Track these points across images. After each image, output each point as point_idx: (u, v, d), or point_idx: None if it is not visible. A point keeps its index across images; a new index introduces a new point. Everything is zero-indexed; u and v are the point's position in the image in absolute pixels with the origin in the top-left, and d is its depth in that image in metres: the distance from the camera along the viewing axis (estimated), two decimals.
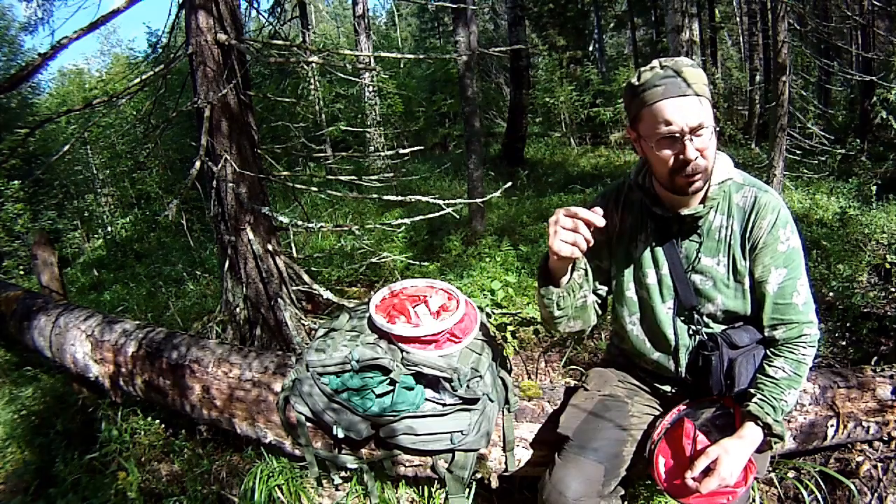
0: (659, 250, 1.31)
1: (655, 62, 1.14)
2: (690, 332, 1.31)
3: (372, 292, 4.04)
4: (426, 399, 1.59)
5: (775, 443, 1.23)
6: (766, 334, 1.28)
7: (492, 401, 1.64)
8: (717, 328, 1.30)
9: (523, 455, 1.67)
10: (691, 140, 1.10)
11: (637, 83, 1.14)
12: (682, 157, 1.11)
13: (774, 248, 1.21)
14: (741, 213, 1.24)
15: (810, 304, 1.25)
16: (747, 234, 1.23)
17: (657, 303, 1.32)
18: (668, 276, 1.30)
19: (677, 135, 1.10)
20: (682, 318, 1.32)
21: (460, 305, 1.72)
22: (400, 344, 1.64)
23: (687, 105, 1.09)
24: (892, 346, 2.69)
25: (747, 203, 1.23)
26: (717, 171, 1.24)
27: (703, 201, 1.24)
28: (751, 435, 1.20)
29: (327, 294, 2.74)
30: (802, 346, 1.25)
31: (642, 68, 1.16)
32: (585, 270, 1.32)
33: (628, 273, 1.37)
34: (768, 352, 1.28)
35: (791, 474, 1.80)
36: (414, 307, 1.75)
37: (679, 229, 1.29)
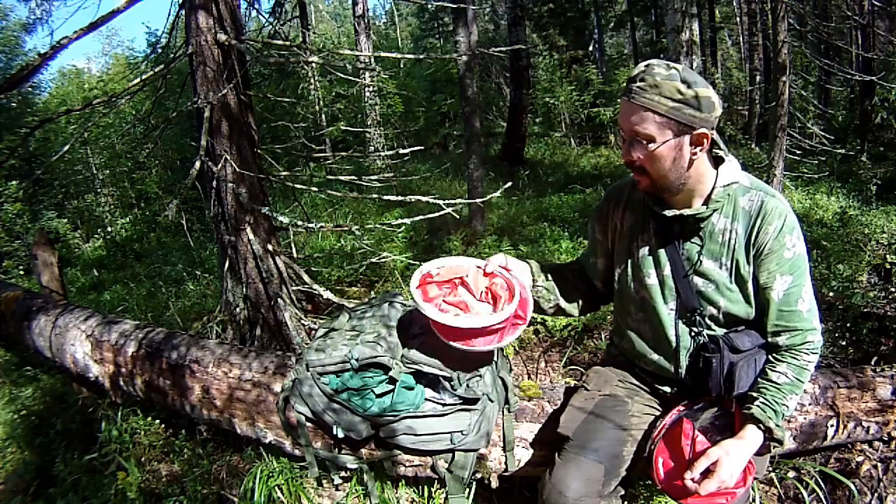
0: (661, 251, 1.31)
1: (643, 63, 1.15)
2: (692, 333, 1.31)
3: (372, 292, 4.04)
4: (426, 399, 1.59)
5: (774, 447, 1.23)
6: (769, 340, 1.27)
7: (492, 401, 1.63)
8: (719, 331, 1.30)
9: (523, 455, 1.66)
10: (630, 143, 1.17)
11: None
12: (624, 156, 1.21)
13: (780, 254, 1.20)
14: (747, 217, 1.22)
15: (814, 311, 1.25)
16: (752, 240, 1.21)
17: (659, 304, 1.32)
18: (671, 277, 1.30)
19: (624, 136, 1.19)
20: (684, 320, 1.31)
21: (503, 280, 1.41)
22: (458, 344, 1.37)
23: (627, 110, 1.15)
24: (892, 346, 2.69)
25: (753, 207, 1.22)
26: (723, 174, 1.23)
27: (705, 202, 1.23)
28: (751, 437, 1.20)
29: (327, 294, 2.74)
30: (806, 352, 1.25)
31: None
32: (546, 288, 1.49)
33: (630, 272, 1.37)
34: (771, 357, 1.27)
35: (791, 474, 1.80)
36: (455, 295, 1.41)
37: (681, 230, 1.28)
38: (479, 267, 1.43)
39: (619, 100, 1.21)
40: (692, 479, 1.15)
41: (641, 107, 1.11)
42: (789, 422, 1.67)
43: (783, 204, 1.22)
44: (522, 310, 1.36)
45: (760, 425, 1.20)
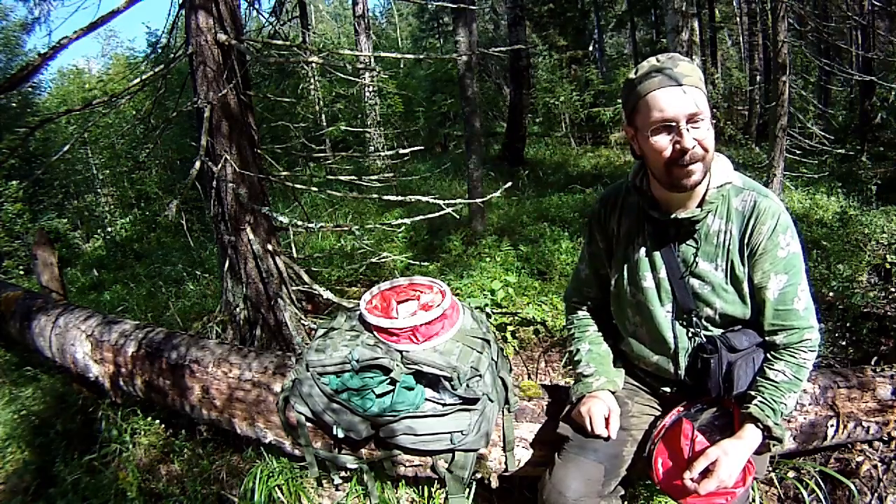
0: (656, 254, 1.31)
1: (652, 57, 1.16)
2: (689, 335, 1.31)
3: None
4: (426, 399, 1.59)
5: (774, 445, 1.23)
6: (766, 339, 1.27)
7: (492, 401, 1.63)
8: (717, 331, 1.30)
9: (523, 455, 1.66)
10: (688, 130, 1.11)
11: (634, 76, 1.17)
12: (678, 146, 1.12)
13: (774, 253, 1.20)
14: (740, 217, 1.22)
15: (811, 310, 1.24)
16: (746, 240, 1.21)
17: (655, 306, 1.32)
18: (666, 279, 1.30)
19: (673, 123, 1.11)
20: (681, 322, 1.31)
21: (439, 307, 1.67)
22: (375, 332, 1.68)
23: (683, 94, 1.11)
24: (892, 346, 2.69)
25: (746, 208, 1.22)
26: (715, 175, 1.23)
27: (700, 205, 1.23)
28: (750, 436, 1.20)
29: (327, 294, 2.74)
30: (804, 350, 1.24)
31: (640, 64, 1.17)
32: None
33: (626, 276, 1.37)
34: (769, 355, 1.27)
35: (791, 474, 1.80)
36: (400, 302, 1.81)
37: (676, 233, 1.28)
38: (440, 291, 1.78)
39: (649, 94, 1.12)
40: (691, 479, 1.15)
41: (694, 87, 1.12)
42: (789, 422, 1.67)
43: (776, 203, 1.22)
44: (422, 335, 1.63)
45: (759, 424, 1.20)
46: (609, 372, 1.44)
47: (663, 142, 1.13)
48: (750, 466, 1.20)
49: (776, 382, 1.23)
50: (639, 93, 1.14)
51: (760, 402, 1.21)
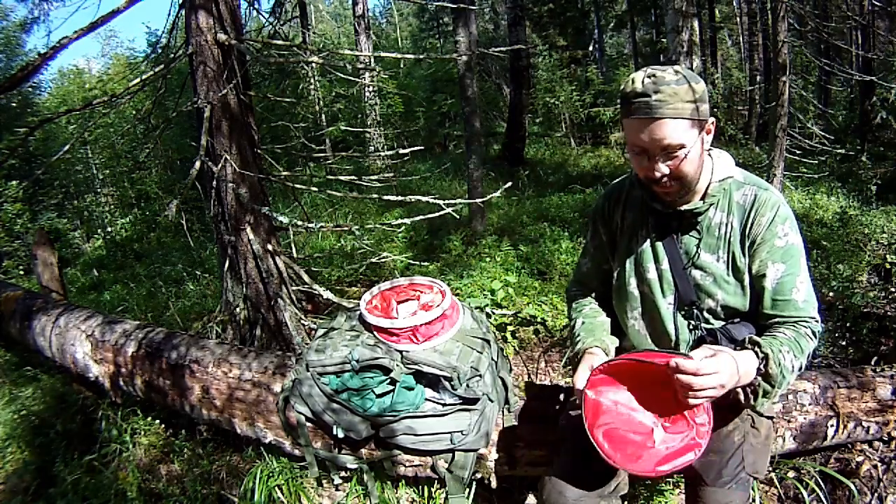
0: (659, 245, 1.32)
1: (641, 74, 1.13)
2: (690, 327, 1.31)
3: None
4: (426, 399, 1.59)
5: (760, 399, 1.17)
6: (764, 325, 1.26)
7: (492, 401, 1.64)
8: (717, 324, 1.30)
9: (523, 455, 1.66)
10: (660, 160, 1.14)
11: (622, 91, 1.16)
12: (650, 174, 1.16)
13: (772, 243, 1.21)
14: (741, 210, 1.24)
15: (811, 302, 1.23)
16: (747, 231, 1.23)
17: (658, 298, 1.33)
18: (669, 271, 1.31)
19: (646, 154, 1.15)
20: (683, 313, 1.32)
21: (439, 307, 1.68)
22: (375, 332, 1.70)
23: (656, 128, 1.10)
24: (892, 346, 2.69)
25: (747, 201, 1.24)
26: (718, 169, 1.25)
27: (702, 197, 1.25)
28: (745, 358, 1.12)
29: (327, 294, 2.74)
30: (804, 326, 1.21)
31: (633, 74, 1.15)
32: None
33: (630, 268, 1.38)
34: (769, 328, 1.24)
35: (791, 474, 1.80)
36: (400, 302, 1.83)
37: (678, 225, 1.30)
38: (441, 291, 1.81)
39: (629, 119, 1.12)
40: (693, 365, 1.01)
41: (669, 118, 1.09)
42: (789, 422, 1.68)
43: (776, 195, 1.23)
44: (422, 335, 1.66)
45: (759, 350, 1.13)
46: (596, 334, 1.38)
47: (640, 162, 1.18)
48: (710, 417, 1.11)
49: (776, 336, 1.19)
50: (623, 111, 1.16)
51: (763, 341, 1.16)
